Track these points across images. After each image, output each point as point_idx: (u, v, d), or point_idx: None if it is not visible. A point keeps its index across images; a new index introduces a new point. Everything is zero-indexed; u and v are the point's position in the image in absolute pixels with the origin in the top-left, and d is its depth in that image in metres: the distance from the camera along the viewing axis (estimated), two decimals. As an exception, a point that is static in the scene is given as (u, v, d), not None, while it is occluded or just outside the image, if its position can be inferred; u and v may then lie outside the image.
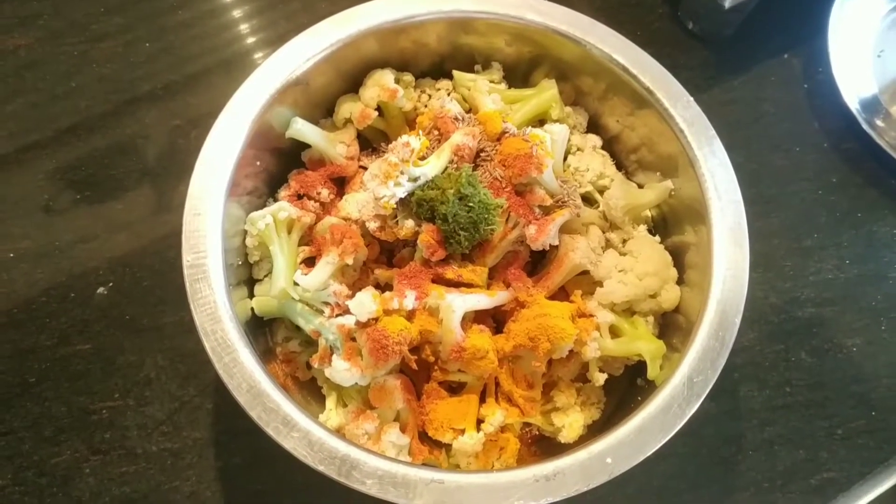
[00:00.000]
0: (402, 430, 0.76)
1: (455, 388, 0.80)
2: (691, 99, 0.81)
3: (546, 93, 0.87)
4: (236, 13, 1.12)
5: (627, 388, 0.83)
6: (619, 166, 0.91)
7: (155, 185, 0.99)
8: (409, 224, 0.77)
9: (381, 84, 0.84)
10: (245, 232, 0.80)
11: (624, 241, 0.85)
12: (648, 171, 0.88)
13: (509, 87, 0.91)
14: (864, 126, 1.04)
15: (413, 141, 0.74)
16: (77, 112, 1.02)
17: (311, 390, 0.83)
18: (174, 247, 0.72)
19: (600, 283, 0.80)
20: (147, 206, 0.98)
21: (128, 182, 0.99)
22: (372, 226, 0.78)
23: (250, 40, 1.10)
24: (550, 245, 0.78)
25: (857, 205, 1.05)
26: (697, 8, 1.10)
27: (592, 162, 0.88)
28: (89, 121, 1.02)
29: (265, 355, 0.80)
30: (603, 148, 0.91)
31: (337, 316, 0.77)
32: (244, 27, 1.11)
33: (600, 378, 0.79)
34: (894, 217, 1.04)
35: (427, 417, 0.77)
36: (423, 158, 0.77)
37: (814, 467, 0.91)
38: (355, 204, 0.81)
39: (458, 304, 0.74)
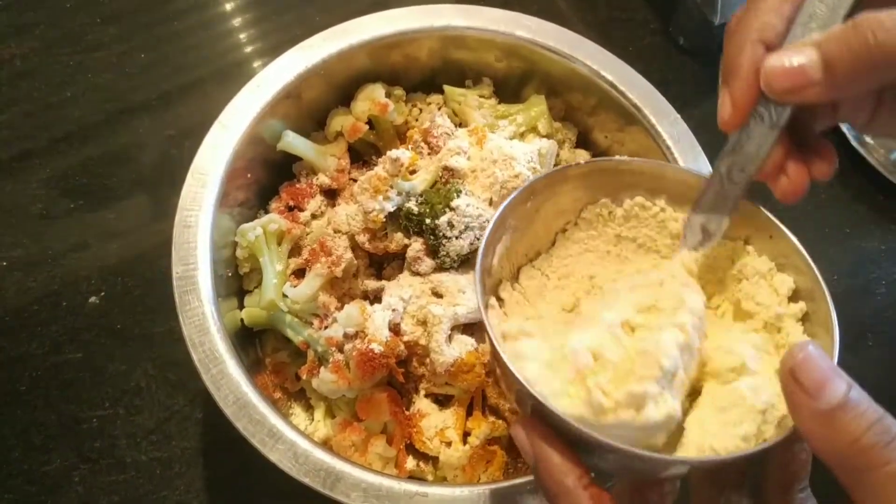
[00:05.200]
0: (389, 442, 0.76)
1: (442, 401, 0.80)
2: (678, 116, 0.82)
3: (535, 108, 0.87)
4: (231, 24, 1.13)
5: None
6: (608, 181, 0.92)
7: (148, 195, 1.00)
8: (399, 237, 0.77)
9: (373, 98, 0.85)
10: (235, 243, 0.80)
11: (612, 256, 0.86)
12: (637, 187, 0.89)
13: (500, 102, 0.91)
14: (853, 142, 1.05)
15: (402, 155, 0.75)
16: (71, 121, 1.03)
17: (300, 401, 0.84)
18: (166, 256, 0.72)
19: (587, 297, 0.81)
20: (139, 215, 0.99)
21: (121, 191, 1.00)
22: (361, 238, 0.78)
23: (244, 51, 1.11)
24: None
25: (845, 220, 1.05)
26: (688, 24, 1.11)
27: (581, 177, 0.88)
28: (83, 130, 1.03)
29: (255, 366, 0.80)
30: (592, 163, 0.92)
31: (325, 328, 0.77)
32: (238, 38, 1.12)
33: (586, 392, 0.79)
34: (882, 233, 1.04)
35: (414, 430, 0.77)
36: (413, 172, 0.78)
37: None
38: (345, 216, 0.81)
39: (447, 316, 0.74)
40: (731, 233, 0.57)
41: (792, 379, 0.41)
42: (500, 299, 0.59)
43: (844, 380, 0.40)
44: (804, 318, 0.54)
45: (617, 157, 0.60)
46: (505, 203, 0.56)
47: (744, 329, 0.56)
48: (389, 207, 0.75)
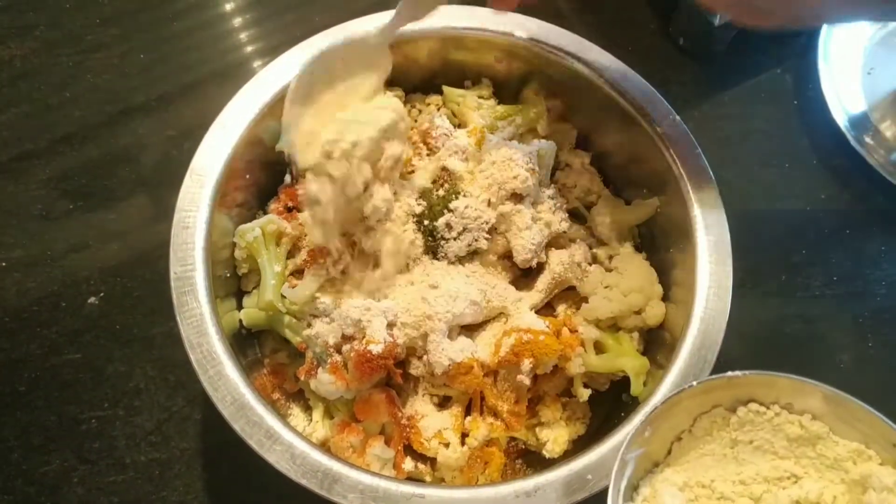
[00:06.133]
0: (387, 443, 0.76)
1: (440, 402, 0.80)
2: (678, 117, 0.81)
3: (534, 109, 0.87)
4: (231, 25, 1.13)
5: (614, 402, 0.83)
6: (607, 182, 0.92)
7: (148, 196, 1.00)
8: (397, 238, 0.77)
9: (372, 99, 0.84)
10: (234, 244, 0.80)
11: (610, 258, 0.86)
12: (636, 188, 0.88)
13: (499, 103, 0.91)
14: (854, 143, 1.04)
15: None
16: (71, 122, 1.03)
17: (299, 402, 0.84)
18: (165, 257, 0.72)
19: (586, 299, 0.81)
20: (139, 216, 0.98)
21: (121, 192, 1.00)
22: (360, 239, 0.78)
23: (244, 51, 1.11)
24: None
25: (845, 222, 1.05)
26: (688, 25, 1.10)
27: (580, 178, 0.88)
28: (83, 131, 1.03)
29: (253, 366, 0.80)
30: (591, 164, 0.91)
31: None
32: (238, 38, 1.12)
33: (585, 393, 0.79)
34: (882, 234, 1.04)
35: (412, 431, 0.77)
36: (411, 173, 0.78)
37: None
38: (344, 217, 0.81)
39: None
40: (847, 434, 0.60)
41: None
42: None
43: None
44: None
45: (729, 372, 0.62)
46: (624, 444, 0.60)
47: None
48: (388, 208, 0.75)
